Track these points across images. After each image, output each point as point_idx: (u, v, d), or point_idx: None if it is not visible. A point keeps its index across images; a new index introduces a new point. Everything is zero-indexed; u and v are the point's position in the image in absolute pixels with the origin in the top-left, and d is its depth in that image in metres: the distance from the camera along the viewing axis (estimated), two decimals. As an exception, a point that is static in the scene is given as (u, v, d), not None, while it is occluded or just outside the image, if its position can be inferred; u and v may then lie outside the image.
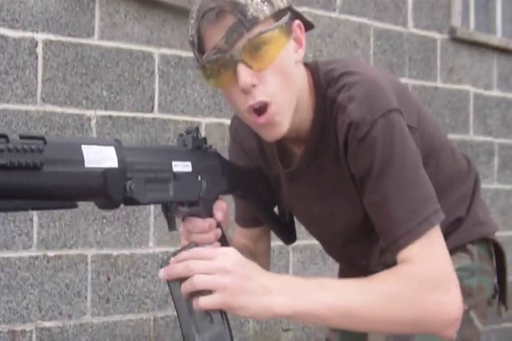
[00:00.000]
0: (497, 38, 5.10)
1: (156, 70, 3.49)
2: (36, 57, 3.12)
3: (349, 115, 1.26)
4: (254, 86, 1.23)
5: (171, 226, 1.27)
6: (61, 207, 1.06)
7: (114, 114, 3.33)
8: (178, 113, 3.55)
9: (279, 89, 1.25)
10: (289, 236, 1.57)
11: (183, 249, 1.14)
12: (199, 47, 1.26)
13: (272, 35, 1.23)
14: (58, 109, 3.17)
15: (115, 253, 3.31)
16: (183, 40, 3.56)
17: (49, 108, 3.14)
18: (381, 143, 1.24)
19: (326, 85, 1.32)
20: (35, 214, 3.09)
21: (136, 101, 3.42)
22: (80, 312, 3.20)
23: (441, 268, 1.24)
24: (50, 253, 3.13)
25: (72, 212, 3.18)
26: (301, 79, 1.32)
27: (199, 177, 1.28)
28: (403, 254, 1.24)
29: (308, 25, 1.35)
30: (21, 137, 0.99)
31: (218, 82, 1.27)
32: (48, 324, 3.12)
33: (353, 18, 4.27)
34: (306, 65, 1.36)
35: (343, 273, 1.63)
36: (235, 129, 1.51)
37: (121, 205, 1.16)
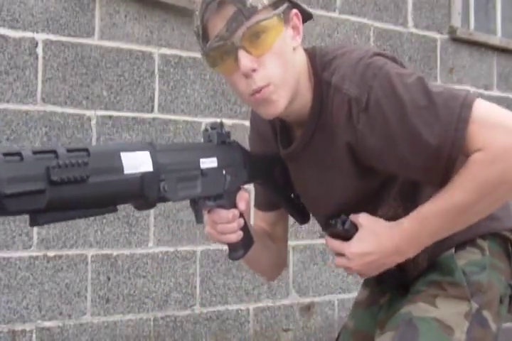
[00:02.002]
0: (497, 38, 5.09)
1: (156, 70, 3.49)
2: (36, 57, 3.12)
3: (346, 93, 1.33)
4: (254, 70, 1.31)
5: (199, 219, 1.35)
6: (104, 213, 1.12)
7: (114, 114, 3.33)
8: (178, 113, 3.55)
9: (278, 72, 1.33)
10: (302, 216, 1.64)
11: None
12: (203, 36, 1.34)
13: (270, 23, 1.31)
14: (58, 109, 3.17)
15: (115, 253, 3.31)
16: (183, 40, 3.57)
17: (49, 108, 3.14)
18: (385, 98, 1.30)
19: (321, 69, 1.39)
20: (35, 214, 3.09)
21: (136, 101, 3.42)
22: (79, 312, 3.20)
23: (501, 130, 1.26)
24: (50, 253, 3.13)
25: (72, 212, 3.19)
26: (301, 63, 1.40)
27: (224, 172, 1.38)
28: (472, 144, 1.29)
29: (307, 15, 1.43)
30: (68, 150, 1.04)
31: (222, 68, 1.35)
32: (47, 324, 3.12)
33: (353, 18, 4.27)
34: (306, 50, 1.43)
35: None
36: (253, 116, 1.60)
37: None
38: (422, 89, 1.30)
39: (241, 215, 1.42)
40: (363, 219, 1.40)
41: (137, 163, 1.16)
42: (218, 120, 1.45)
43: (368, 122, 1.32)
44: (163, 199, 1.23)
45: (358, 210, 1.44)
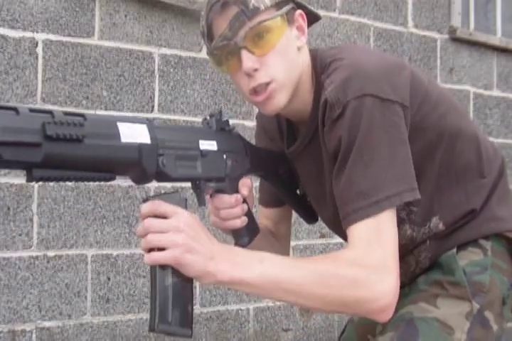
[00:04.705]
0: (497, 38, 5.09)
1: (156, 70, 3.49)
2: (36, 57, 3.12)
3: (325, 96, 1.34)
4: (256, 70, 1.33)
5: (201, 201, 1.33)
6: (100, 179, 1.13)
7: (114, 114, 3.33)
8: (178, 113, 3.55)
9: (281, 71, 1.35)
10: (310, 215, 1.63)
11: (151, 196, 1.19)
12: (208, 36, 1.37)
13: (272, 23, 1.33)
14: (58, 109, 3.17)
15: (115, 253, 3.31)
16: (183, 40, 3.57)
17: (49, 108, 3.14)
18: (349, 125, 1.29)
19: (320, 71, 1.40)
20: (35, 214, 3.09)
21: (136, 101, 3.42)
22: (79, 312, 3.20)
23: (380, 255, 1.25)
24: (50, 253, 3.13)
25: (72, 212, 3.18)
26: (305, 64, 1.41)
27: (224, 156, 1.38)
28: (351, 231, 1.28)
29: (314, 17, 1.46)
30: (65, 113, 1.08)
31: (226, 67, 1.38)
32: (47, 324, 3.12)
33: (353, 18, 4.27)
34: (310, 51, 1.45)
35: None
36: (260, 114, 1.62)
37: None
38: (378, 149, 1.28)
39: (244, 201, 1.42)
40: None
41: (134, 133, 1.17)
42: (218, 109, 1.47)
43: (328, 131, 1.34)
44: (162, 175, 1.23)
45: None
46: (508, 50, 5.09)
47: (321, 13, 4.12)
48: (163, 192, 3.41)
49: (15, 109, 1.02)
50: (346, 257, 1.26)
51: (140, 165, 1.17)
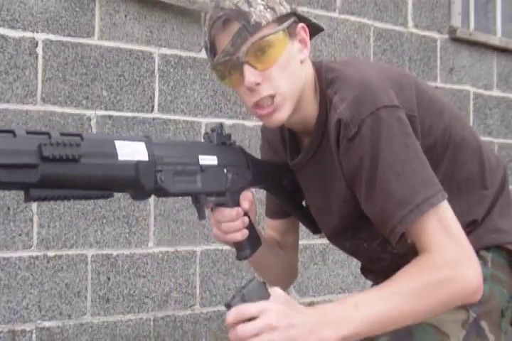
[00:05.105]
0: (497, 38, 5.09)
1: (156, 70, 3.49)
2: (36, 57, 3.12)
3: (339, 115, 1.34)
4: (258, 84, 1.34)
5: (201, 215, 1.36)
6: (98, 197, 1.15)
7: (114, 114, 3.33)
8: (178, 113, 3.55)
9: (283, 84, 1.36)
10: (315, 226, 1.63)
11: (232, 301, 1.16)
12: (211, 51, 1.38)
13: (274, 38, 1.35)
14: (58, 109, 3.17)
15: (115, 253, 3.31)
16: (183, 40, 3.56)
17: (49, 108, 3.14)
18: (368, 142, 1.31)
19: (326, 85, 1.41)
20: (35, 214, 3.09)
21: (136, 101, 3.42)
22: (79, 312, 3.20)
23: (454, 247, 1.28)
24: (50, 253, 3.13)
25: (72, 212, 3.18)
26: (308, 76, 1.42)
27: (225, 170, 1.39)
28: (412, 237, 1.31)
29: (316, 28, 1.50)
30: (61, 134, 1.10)
31: (229, 82, 1.39)
32: (47, 324, 3.12)
33: (353, 18, 4.27)
34: (313, 64, 1.46)
35: (365, 269, 1.65)
36: (264, 126, 1.63)
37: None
38: (404, 156, 1.30)
39: (246, 214, 1.43)
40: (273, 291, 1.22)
41: (132, 151, 1.19)
42: (219, 122, 1.47)
43: (347, 152, 1.35)
44: (161, 190, 1.25)
45: (359, 226, 1.44)
46: (508, 50, 5.09)
47: (321, 13, 4.12)
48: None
49: (12, 132, 1.04)
50: (426, 262, 1.28)
51: (138, 183, 1.20)
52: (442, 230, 1.29)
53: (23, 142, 1.04)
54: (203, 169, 1.34)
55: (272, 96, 1.35)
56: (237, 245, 1.46)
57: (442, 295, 1.26)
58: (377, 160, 1.30)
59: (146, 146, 1.22)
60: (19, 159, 1.03)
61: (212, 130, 1.43)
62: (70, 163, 1.09)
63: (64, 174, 1.08)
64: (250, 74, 1.33)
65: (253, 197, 1.45)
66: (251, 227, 1.45)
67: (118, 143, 1.18)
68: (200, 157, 1.34)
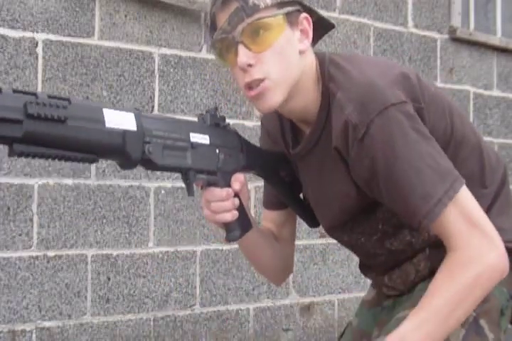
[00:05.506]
0: (497, 38, 5.09)
1: (156, 70, 3.49)
2: (36, 57, 3.12)
3: (347, 116, 1.34)
4: (250, 65, 1.36)
5: (190, 192, 1.36)
6: (83, 160, 1.17)
7: (114, 114, 3.33)
8: (178, 113, 3.55)
9: (275, 69, 1.37)
10: (312, 219, 1.63)
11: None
12: (211, 29, 1.41)
13: (270, 21, 1.36)
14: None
15: (115, 253, 3.31)
16: (183, 40, 3.56)
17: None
18: (380, 141, 1.31)
19: (328, 78, 1.41)
20: (35, 214, 3.09)
21: (136, 101, 3.42)
22: (79, 312, 3.20)
23: (474, 234, 1.30)
24: (50, 253, 3.13)
25: (72, 212, 3.18)
26: (307, 67, 1.42)
27: (217, 150, 1.40)
28: (439, 233, 1.33)
29: (327, 24, 1.50)
30: (49, 96, 1.13)
31: (226, 60, 1.41)
32: (47, 324, 3.12)
33: (353, 18, 4.27)
34: (316, 55, 1.46)
35: (363, 265, 1.65)
36: (264, 116, 1.64)
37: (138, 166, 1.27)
38: (420, 149, 1.31)
39: (236, 196, 1.44)
40: None
41: (120, 120, 1.21)
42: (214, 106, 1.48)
43: (358, 153, 1.35)
44: (148, 162, 1.26)
45: (360, 220, 1.44)
46: (508, 50, 5.09)
47: (321, 13, 4.12)
48: (163, 192, 3.41)
49: None
50: (456, 262, 1.31)
51: (124, 151, 1.21)
52: (463, 220, 1.31)
53: (9, 98, 1.07)
54: (194, 146, 1.35)
55: (261, 80, 1.36)
56: (227, 226, 1.46)
57: (477, 291, 1.30)
58: (392, 158, 1.31)
59: (136, 117, 1.24)
60: (4, 113, 1.05)
61: (207, 111, 1.45)
62: (56, 123, 1.11)
63: (48, 133, 1.10)
64: (243, 55, 1.35)
65: (245, 180, 1.45)
66: (241, 209, 1.45)
67: (106, 111, 1.19)
68: (192, 134, 1.36)
